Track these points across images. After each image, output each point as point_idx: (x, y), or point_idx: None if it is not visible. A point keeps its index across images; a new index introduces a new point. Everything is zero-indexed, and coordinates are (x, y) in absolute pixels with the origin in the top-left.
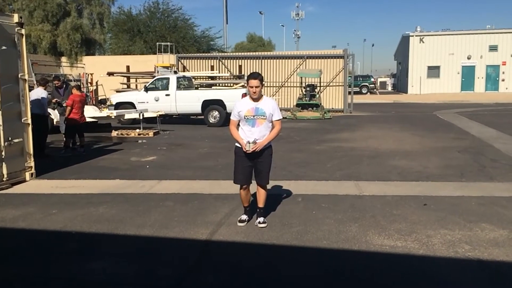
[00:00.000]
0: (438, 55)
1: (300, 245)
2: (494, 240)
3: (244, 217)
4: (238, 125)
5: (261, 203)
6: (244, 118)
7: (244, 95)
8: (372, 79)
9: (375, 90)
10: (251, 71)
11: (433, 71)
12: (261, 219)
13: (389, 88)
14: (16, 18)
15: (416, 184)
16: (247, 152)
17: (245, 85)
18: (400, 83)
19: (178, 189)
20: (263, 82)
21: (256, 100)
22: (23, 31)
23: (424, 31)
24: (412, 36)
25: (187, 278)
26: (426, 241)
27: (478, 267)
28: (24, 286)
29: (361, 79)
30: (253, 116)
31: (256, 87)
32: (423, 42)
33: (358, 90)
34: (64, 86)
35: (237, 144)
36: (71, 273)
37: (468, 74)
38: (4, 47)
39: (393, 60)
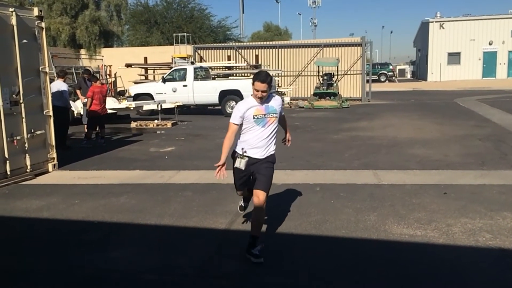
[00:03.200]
0: (459, 41)
1: (319, 234)
2: None
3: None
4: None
5: (254, 229)
6: (254, 118)
7: None
8: (391, 67)
9: (393, 78)
10: (268, 61)
11: (454, 57)
12: (257, 249)
13: (408, 76)
14: (36, 11)
15: (436, 172)
16: (240, 168)
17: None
18: (420, 71)
19: (197, 179)
20: (272, 84)
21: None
22: (43, 24)
23: (444, 16)
24: (432, 22)
25: (207, 266)
26: (446, 230)
27: (499, 255)
28: (47, 274)
29: (379, 67)
30: (264, 115)
31: (263, 91)
32: (443, 28)
33: (376, 78)
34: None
35: (236, 149)
36: (93, 262)
37: (489, 60)
38: (25, 41)
39: (412, 47)
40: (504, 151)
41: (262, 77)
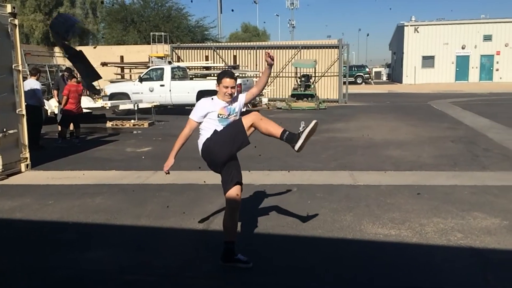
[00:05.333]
0: (433, 45)
1: (295, 234)
2: (486, 228)
3: None
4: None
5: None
6: (218, 117)
7: (239, 86)
8: (367, 69)
9: (370, 80)
10: (246, 61)
11: (428, 61)
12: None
13: (384, 78)
14: (9, 8)
15: (410, 173)
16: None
17: (240, 75)
18: (395, 73)
19: (174, 179)
20: (250, 85)
21: (229, 102)
22: (16, 22)
23: (418, 20)
24: (407, 25)
25: (185, 266)
26: (419, 229)
27: (470, 254)
28: (23, 275)
29: (356, 69)
30: (228, 116)
31: (232, 87)
32: (417, 31)
33: (353, 80)
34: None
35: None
36: (69, 263)
37: (462, 64)
38: None
39: (388, 50)
40: (475, 153)
41: (229, 73)
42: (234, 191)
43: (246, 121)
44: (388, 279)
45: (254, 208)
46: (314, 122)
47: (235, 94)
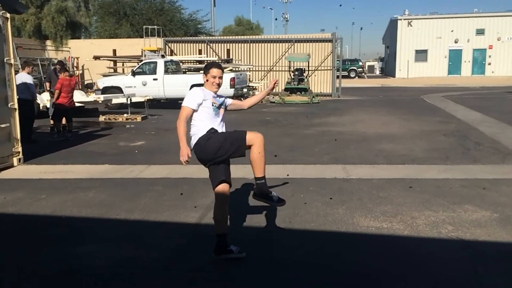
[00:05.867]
0: (426, 38)
1: (288, 228)
2: (476, 221)
3: None
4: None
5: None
6: (212, 105)
7: (232, 79)
8: (360, 63)
9: (363, 74)
10: (240, 55)
11: (421, 54)
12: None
13: (377, 72)
14: None
15: (402, 167)
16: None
17: (233, 69)
18: (388, 67)
19: (167, 173)
20: (243, 78)
21: (216, 92)
22: (8, 15)
23: (412, 14)
24: (400, 19)
25: (179, 260)
26: (411, 222)
27: (460, 246)
28: (15, 270)
29: (349, 63)
30: (218, 106)
31: (220, 77)
32: (411, 25)
33: (346, 74)
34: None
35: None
36: (61, 257)
37: (455, 58)
38: None
39: (381, 43)
40: (467, 147)
41: (216, 64)
42: (222, 187)
43: (250, 137)
44: (379, 271)
45: (247, 202)
46: (280, 203)
47: (221, 85)
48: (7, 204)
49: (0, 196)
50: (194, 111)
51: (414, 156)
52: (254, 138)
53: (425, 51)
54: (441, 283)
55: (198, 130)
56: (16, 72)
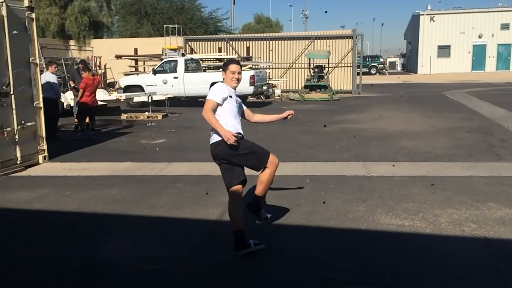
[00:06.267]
0: (449, 34)
1: (308, 225)
2: (500, 219)
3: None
4: None
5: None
6: (236, 102)
7: (252, 77)
8: (381, 60)
9: (384, 70)
10: (259, 53)
11: (444, 50)
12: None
13: (399, 68)
14: (26, 2)
15: (424, 164)
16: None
17: (253, 66)
18: (410, 63)
19: (188, 171)
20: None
21: (235, 87)
22: (33, 15)
23: (434, 9)
24: (423, 15)
25: (200, 256)
26: (433, 220)
27: (483, 245)
28: (41, 265)
29: (370, 59)
30: (236, 102)
31: (238, 73)
32: (433, 21)
33: (367, 70)
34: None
35: (218, 138)
36: (86, 252)
37: (479, 53)
38: (15, 32)
39: (403, 39)
40: (491, 143)
41: (235, 60)
42: (237, 187)
43: (271, 160)
44: (401, 269)
45: (267, 199)
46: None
47: (240, 81)
48: (33, 201)
49: (27, 192)
50: (219, 105)
51: (436, 153)
52: (273, 162)
53: (448, 47)
54: (464, 281)
55: (215, 132)
56: (41, 71)
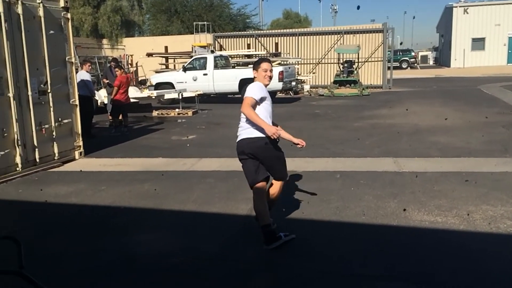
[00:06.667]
0: (483, 26)
1: (339, 220)
2: None
3: None
4: None
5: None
6: (271, 103)
7: (281, 73)
8: (413, 53)
9: (415, 64)
10: (288, 48)
11: (478, 43)
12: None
13: (431, 62)
14: (62, 2)
15: (458, 160)
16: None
17: (281, 62)
18: (443, 57)
19: (218, 166)
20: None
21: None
22: (69, 15)
23: (468, 1)
24: (456, 7)
25: (230, 250)
26: (467, 216)
27: None
28: (77, 257)
29: (401, 53)
30: (271, 104)
31: (270, 70)
32: (467, 13)
33: (398, 65)
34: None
35: (257, 135)
36: (120, 245)
37: None
38: (52, 31)
39: (435, 33)
40: None
41: (266, 59)
42: (262, 184)
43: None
44: (433, 266)
45: (297, 195)
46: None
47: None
48: (70, 195)
49: (64, 187)
50: (257, 103)
51: (470, 149)
52: (282, 182)
53: (482, 39)
54: (499, 277)
55: (255, 128)
56: (76, 70)
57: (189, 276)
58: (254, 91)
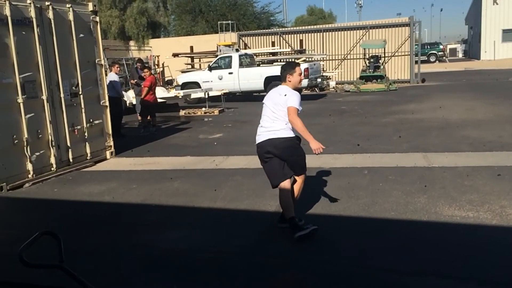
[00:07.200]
0: None
1: (368, 216)
2: None
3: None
4: None
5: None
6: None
7: (306, 70)
8: (441, 46)
9: (444, 57)
10: (313, 45)
11: (509, 34)
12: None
13: (460, 55)
14: (91, 6)
15: (489, 154)
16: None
17: (306, 59)
18: (472, 49)
19: (245, 164)
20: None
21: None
22: (97, 19)
23: None
24: None
25: (258, 246)
26: (500, 211)
27: None
28: (112, 252)
29: (428, 47)
30: None
31: (301, 74)
32: (497, 3)
33: (426, 58)
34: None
35: (292, 135)
36: (153, 241)
37: None
38: (81, 35)
39: (463, 25)
40: None
41: (297, 63)
42: (287, 182)
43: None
44: (465, 260)
45: (324, 191)
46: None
47: None
48: (103, 194)
49: (97, 186)
50: (298, 111)
51: (502, 143)
52: (302, 178)
53: None
54: None
55: (289, 128)
56: (106, 72)
57: (221, 270)
58: (297, 102)
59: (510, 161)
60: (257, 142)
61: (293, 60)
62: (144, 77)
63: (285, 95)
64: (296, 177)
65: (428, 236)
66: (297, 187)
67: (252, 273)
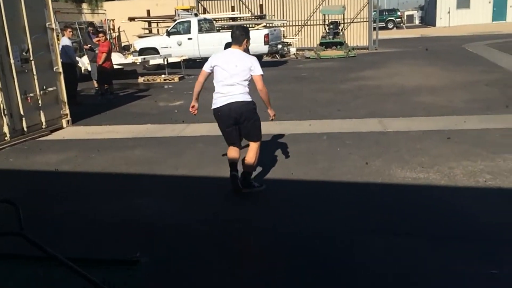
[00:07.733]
0: None
1: (326, 180)
2: None
3: None
4: None
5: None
6: None
7: (266, 36)
8: (399, 13)
9: (401, 24)
10: (273, 10)
11: (463, 1)
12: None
13: (417, 22)
14: None
15: (441, 118)
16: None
17: (267, 25)
18: (428, 16)
19: (207, 131)
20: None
21: None
22: None
23: None
24: None
25: (221, 211)
26: (448, 172)
27: (497, 194)
28: (75, 220)
29: (386, 13)
30: None
31: None
32: None
33: (384, 25)
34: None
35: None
36: (116, 209)
37: (500, 3)
38: None
39: None
40: (510, 96)
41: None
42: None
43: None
44: (415, 220)
45: (285, 157)
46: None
47: None
48: (61, 163)
49: (54, 155)
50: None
51: (454, 108)
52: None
53: None
54: (480, 228)
55: (247, 92)
56: (58, 37)
57: (184, 236)
58: (260, 67)
59: (459, 125)
60: (215, 106)
61: (253, 25)
62: (99, 42)
63: (249, 61)
64: (252, 143)
65: (382, 196)
66: (252, 154)
67: (216, 237)
